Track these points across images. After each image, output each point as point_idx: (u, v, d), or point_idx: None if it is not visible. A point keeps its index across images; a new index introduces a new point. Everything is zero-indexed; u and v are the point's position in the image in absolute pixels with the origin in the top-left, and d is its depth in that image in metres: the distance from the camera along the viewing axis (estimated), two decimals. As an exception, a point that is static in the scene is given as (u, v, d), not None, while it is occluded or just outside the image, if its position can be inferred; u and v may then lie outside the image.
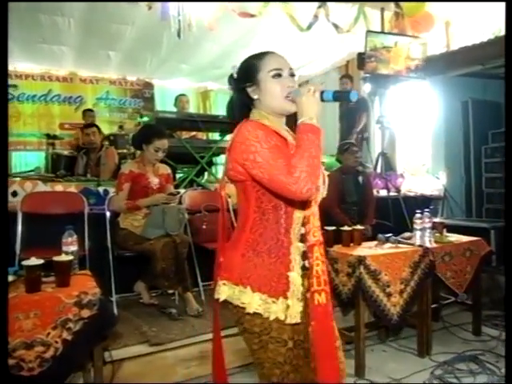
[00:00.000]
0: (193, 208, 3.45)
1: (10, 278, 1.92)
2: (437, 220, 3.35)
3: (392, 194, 4.64)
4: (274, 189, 1.23)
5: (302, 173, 1.17)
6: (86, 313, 1.86)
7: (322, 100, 1.29)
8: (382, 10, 5.22)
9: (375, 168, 5.17)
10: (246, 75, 1.36)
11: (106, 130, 6.18)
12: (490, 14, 4.35)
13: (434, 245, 2.91)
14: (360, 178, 3.89)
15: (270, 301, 1.27)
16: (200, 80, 7.61)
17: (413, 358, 2.80)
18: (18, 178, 3.72)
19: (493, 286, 3.50)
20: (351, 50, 5.77)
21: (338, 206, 3.63)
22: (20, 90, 6.77)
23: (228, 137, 4.39)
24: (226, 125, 4.22)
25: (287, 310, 1.28)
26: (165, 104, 7.21)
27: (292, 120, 1.40)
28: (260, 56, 1.37)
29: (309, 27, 4.71)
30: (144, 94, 7.60)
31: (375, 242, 2.85)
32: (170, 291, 3.20)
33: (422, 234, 2.90)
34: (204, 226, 3.30)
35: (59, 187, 3.46)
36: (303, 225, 1.33)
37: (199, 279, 3.24)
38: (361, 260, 2.52)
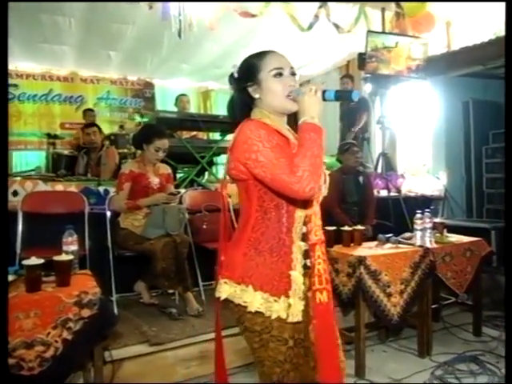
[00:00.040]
0: (193, 208, 3.45)
1: (11, 278, 1.92)
2: (437, 220, 3.34)
3: (392, 194, 4.64)
4: (276, 188, 1.23)
5: (304, 172, 1.17)
6: (86, 312, 1.86)
7: (324, 99, 1.29)
8: (383, 10, 5.22)
9: (376, 168, 5.17)
10: (247, 74, 1.36)
11: (107, 129, 6.19)
12: (491, 14, 4.35)
13: (435, 245, 2.91)
14: (360, 178, 3.88)
15: (271, 299, 1.27)
16: (201, 80, 7.61)
17: (413, 359, 2.79)
18: (18, 178, 3.72)
19: (493, 287, 3.49)
20: (352, 50, 5.77)
21: (339, 206, 3.63)
22: (21, 90, 6.78)
23: (228, 137, 4.40)
24: (227, 125, 4.19)
25: (289, 308, 1.28)
26: (165, 104, 7.22)
27: (292, 119, 1.40)
28: (261, 55, 1.37)
29: (309, 27, 4.71)
30: (145, 93, 7.61)
31: (375, 243, 2.84)
32: (171, 291, 3.21)
33: (423, 234, 2.90)
34: (204, 226, 3.30)
35: (60, 187, 3.46)
36: (305, 224, 1.33)
37: (199, 279, 3.24)
38: (361, 260, 2.52)
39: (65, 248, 2.09)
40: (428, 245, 2.87)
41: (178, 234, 2.93)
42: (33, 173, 4.60)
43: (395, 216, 4.28)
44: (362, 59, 4.87)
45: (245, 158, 1.25)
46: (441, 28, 5.23)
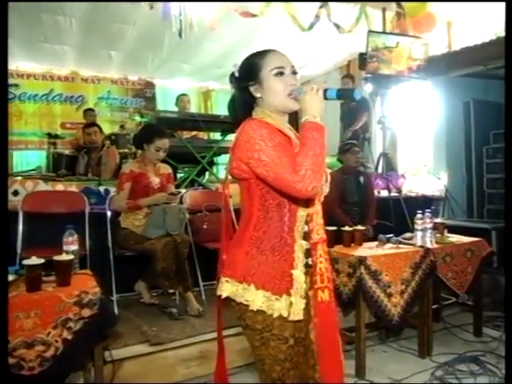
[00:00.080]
0: (194, 208, 3.45)
1: (11, 278, 1.92)
2: (438, 220, 3.34)
3: (393, 194, 4.64)
4: (279, 187, 1.24)
5: (307, 171, 1.18)
6: (86, 312, 1.86)
7: (326, 98, 1.30)
8: (384, 10, 5.21)
9: (376, 168, 5.17)
10: (248, 74, 1.36)
11: (108, 129, 6.19)
12: (492, 15, 4.34)
13: (435, 245, 2.91)
14: (361, 179, 3.88)
15: (273, 298, 1.28)
16: (201, 80, 7.61)
17: (413, 359, 2.79)
18: (19, 177, 3.72)
19: (494, 287, 3.49)
20: (353, 50, 5.76)
21: (339, 207, 3.63)
22: (22, 90, 6.78)
23: (229, 137, 4.40)
24: (227, 125, 4.23)
25: (290, 307, 1.28)
26: (166, 104, 7.22)
27: (293, 118, 1.40)
28: (262, 54, 1.37)
29: (310, 27, 4.71)
30: (145, 93, 7.61)
31: (376, 243, 2.84)
32: (171, 291, 3.21)
33: (423, 234, 2.90)
34: (205, 226, 3.30)
35: (60, 186, 3.46)
36: (306, 223, 1.34)
37: (200, 279, 3.24)
38: (361, 260, 2.52)
39: (65, 248, 2.09)
40: (428, 245, 2.86)
41: (179, 233, 2.94)
42: (33, 172, 4.61)
43: (396, 216, 4.27)
44: (362, 59, 4.87)
45: (247, 157, 1.25)
46: (442, 28, 5.23)
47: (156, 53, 6.07)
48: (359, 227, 2.95)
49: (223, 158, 5.22)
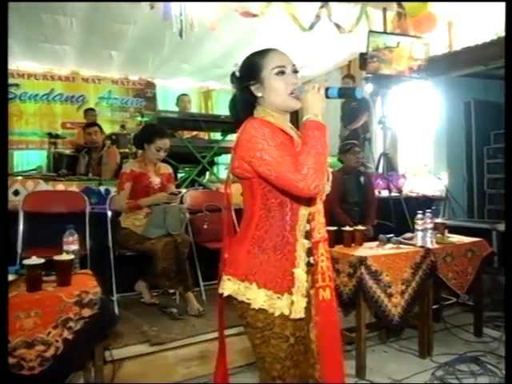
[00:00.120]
0: (194, 208, 3.45)
1: (12, 277, 1.92)
2: (438, 221, 3.33)
3: (393, 194, 4.64)
4: (281, 186, 1.24)
5: (309, 170, 1.18)
6: (86, 312, 1.86)
7: (327, 97, 1.30)
8: (385, 10, 5.21)
9: (377, 168, 5.16)
10: (249, 73, 1.36)
11: (108, 129, 6.20)
12: (493, 15, 4.34)
13: (436, 245, 2.90)
14: (362, 179, 3.88)
15: (274, 297, 1.28)
16: (202, 80, 7.61)
17: (414, 359, 2.79)
18: (19, 177, 3.73)
19: (494, 287, 3.49)
20: (353, 50, 5.76)
21: (340, 207, 3.63)
22: (22, 89, 6.79)
23: (230, 137, 4.41)
24: (228, 124, 4.24)
25: (292, 305, 1.29)
26: (167, 103, 7.22)
27: (293, 117, 1.40)
28: (262, 53, 1.37)
29: (311, 27, 4.71)
30: (146, 93, 7.62)
31: (376, 243, 2.84)
32: (171, 291, 3.21)
33: (424, 234, 2.89)
34: (205, 226, 3.29)
35: (61, 186, 3.46)
36: (308, 222, 1.35)
37: (200, 279, 3.24)
38: (362, 260, 2.52)
39: (65, 247, 2.09)
40: (429, 245, 2.86)
41: (179, 233, 2.93)
42: (34, 172, 4.62)
43: (396, 216, 4.27)
44: (363, 59, 4.87)
45: (249, 156, 1.25)
46: (442, 28, 5.22)
47: (157, 53, 6.08)
48: (360, 227, 2.95)
49: (224, 158, 5.23)
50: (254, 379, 1.78)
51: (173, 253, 2.83)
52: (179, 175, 4.54)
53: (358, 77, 5.89)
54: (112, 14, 4.88)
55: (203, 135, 5.41)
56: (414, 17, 5.09)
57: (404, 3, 5.10)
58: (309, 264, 1.35)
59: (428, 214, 2.95)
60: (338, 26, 4.83)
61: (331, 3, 4.71)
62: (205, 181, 4.51)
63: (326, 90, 1.29)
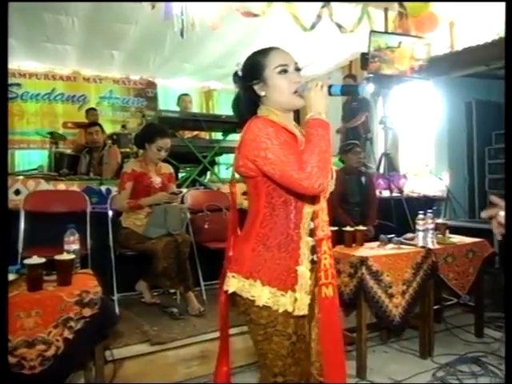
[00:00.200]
0: (195, 207, 3.45)
1: (12, 277, 1.92)
2: (439, 221, 3.33)
3: (395, 194, 4.63)
4: (285, 184, 1.25)
5: (313, 168, 1.19)
6: (87, 311, 1.87)
7: (330, 94, 1.30)
8: (386, 10, 5.21)
9: (378, 168, 5.16)
10: (252, 73, 1.37)
11: (109, 128, 6.20)
12: (494, 15, 4.33)
13: (437, 246, 2.90)
14: (363, 179, 3.88)
15: (279, 294, 1.29)
16: (203, 79, 7.61)
17: (414, 360, 2.79)
18: (21, 177, 3.72)
19: (495, 288, 3.48)
20: (355, 50, 5.75)
21: (341, 207, 3.63)
22: (24, 89, 6.79)
23: (231, 136, 4.41)
24: (229, 124, 4.25)
25: (295, 302, 1.30)
26: (168, 103, 7.21)
27: (295, 115, 1.41)
28: (265, 52, 1.37)
29: (312, 27, 4.70)
30: (147, 93, 7.61)
31: (377, 243, 2.84)
32: (172, 290, 3.21)
33: (425, 234, 2.89)
34: (206, 226, 3.29)
35: (62, 186, 3.46)
36: (312, 219, 1.36)
37: (201, 279, 3.23)
38: (363, 261, 2.52)
39: (66, 247, 2.09)
40: (430, 246, 2.86)
41: (180, 233, 2.94)
42: (35, 172, 4.62)
43: (397, 216, 4.27)
44: (364, 59, 4.86)
45: (253, 155, 1.26)
46: (444, 28, 5.22)
47: (158, 52, 6.07)
48: (360, 227, 2.94)
49: (225, 158, 5.23)
50: (254, 379, 1.78)
51: (173, 252, 2.83)
52: (180, 175, 4.54)
53: (359, 77, 5.88)
54: (113, 14, 4.88)
55: (204, 135, 5.41)
56: (415, 17, 5.08)
57: (405, 3, 5.09)
58: (313, 262, 1.36)
59: (429, 214, 2.94)
60: (339, 26, 4.83)
61: (332, 3, 4.71)
62: (206, 180, 4.51)
63: (329, 87, 1.30)
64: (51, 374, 1.77)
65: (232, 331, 2.24)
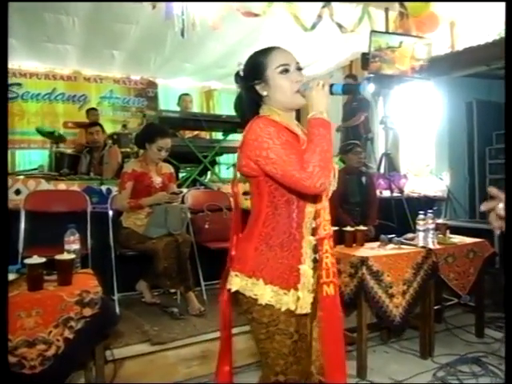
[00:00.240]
0: (195, 207, 3.45)
1: (13, 276, 1.92)
2: (440, 221, 3.33)
3: (395, 194, 4.63)
4: (287, 184, 1.26)
5: (315, 168, 1.19)
6: (87, 311, 1.86)
7: (332, 93, 1.31)
8: (387, 9, 5.20)
9: (378, 168, 5.16)
10: (254, 73, 1.37)
11: (110, 128, 6.20)
12: (495, 15, 4.33)
13: (437, 246, 2.90)
14: (363, 179, 3.88)
15: (281, 292, 1.30)
16: (204, 79, 7.61)
17: (415, 360, 2.79)
18: (21, 176, 3.73)
19: (496, 288, 3.47)
20: (355, 49, 5.74)
21: (341, 207, 3.62)
22: (24, 89, 6.78)
23: (231, 136, 4.41)
24: (229, 124, 4.25)
25: (298, 301, 1.31)
26: (168, 103, 7.21)
27: (295, 114, 1.41)
28: (266, 52, 1.38)
29: (313, 27, 4.70)
30: (148, 93, 7.61)
31: (378, 243, 2.84)
32: (172, 290, 3.21)
33: (425, 235, 2.89)
34: (206, 226, 3.29)
35: (62, 186, 3.46)
36: (314, 218, 1.36)
37: (201, 279, 3.23)
38: (363, 261, 2.52)
39: (67, 247, 2.09)
40: (430, 246, 2.86)
41: (180, 233, 2.94)
42: (36, 171, 4.62)
43: (398, 216, 4.27)
44: (365, 59, 4.85)
45: (255, 155, 1.27)
46: (445, 28, 5.21)
47: (158, 52, 6.07)
48: (361, 227, 2.94)
49: (225, 158, 5.23)
50: (254, 379, 1.78)
51: (174, 252, 2.83)
52: (180, 175, 4.53)
53: (359, 77, 5.88)
54: (114, 14, 4.88)
55: (205, 135, 5.41)
56: (416, 17, 5.08)
57: (406, 3, 5.08)
58: (315, 260, 1.36)
59: (430, 214, 2.94)
60: (340, 26, 4.82)
61: (333, 3, 4.70)
62: (206, 180, 4.51)
63: (331, 86, 1.30)
64: (51, 374, 1.76)
65: (234, 331, 2.26)
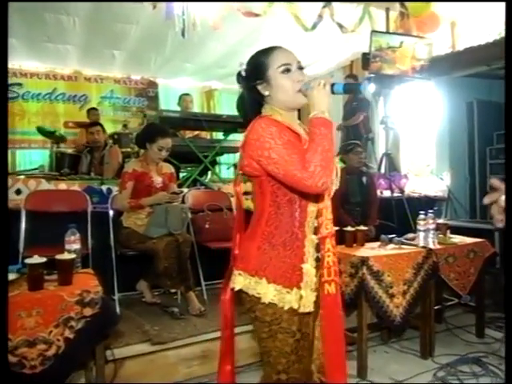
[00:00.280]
0: (196, 207, 3.45)
1: (13, 276, 1.92)
2: (440, 221, 3.33)
3: (396, 194, 4.63)
4: (289, 183, 1.27)
5: (316, 167, 1.20)
6: (88, 311, 1.86)
7: (333, 92, 1.31)
8: (387, 9, 5.20)
9: (379, 168, 5.15)
10: (255, 73, 1.38)
11: (110, 128, 6.20)
12: (496, 15, 4.32)
13: (438, 246, 2.90)
14: (364, 179, 3.88)
15: (284, 291, 1.31)
16: (204, 79, 7.61)
17: (415, 360, 2.79)
18: (22, 176, 3.73)
19: (496, 288, 3.47)
20: (356, 49, 5.74)
21: (342, 207, 3.62)
22: (25, 89, 6.78)
23: (232, 136, 4.41)
24: (230, 124, 4.25)
25: (300, 299, 1.32)
26: (169, 103, 7.22)
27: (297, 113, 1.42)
28: (267, 52, 1.38)
29: (313, 27, 4.70)
30: (148, 92, 7.61)
31: (378, 243, 2.84)
32: (173, 290, 3.20)
33: (426, 235, 2.89)
34: (207, 226, 3.29)
35: (63, 185, 3.46)
36: (316, 217, 1.37)
37: (202, 278, 3.24)
38: (364, 261, 2.52)
39: (67, 247, 2.10)
40: (431, 246, 2.86)
41: (181, 233, 2.94)
42: (36, 171, 4.63)
43: (398, 216, 4.26)
44: (365, 59, 4.85)
45: (258, 155, 1.28)
46: (445, 28, 5.21)
47: (159, 52, 6.07)
48: (361, 227, 2.94)
49: (226, 158, 5.23)
50: (254, 379, 1.78)
51: (174, 252, 2.83)
52: (181, 175, 4.54)
53: (360, 77, 5.88)
54: (114, 14, 4.88)
55: (205, 135, 5.41)
56: (416, 17, 5.07)
57: (407, 3, 5.08)
58: (318, 259, 1.37)
59: (430, 214, 2.94)
60: (340, 26, 4.82)
61: (334, 3, 4.70)
62: (206, 180, 4.51)
63: (332, 85, 1.31)
64: (52, 374, 1.76)
65: (234, 331, 2.26)
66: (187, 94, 5.82)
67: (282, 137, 1.26)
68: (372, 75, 4.97)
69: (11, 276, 1.89)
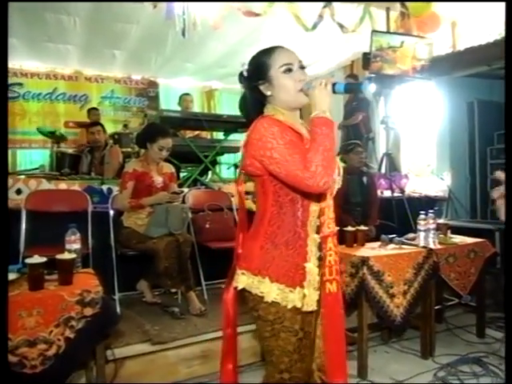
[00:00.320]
0: (196, 207, 3.45)
1: (14, 276, 1.92)
2: (441, 221, 3.33)
3: (396, 194, 4.63)
4: (291, 183, 1.27)
5: (317, 167, 1.21)
6: (88, 311, 1.87)
7: (334, 92, 1.32)
8: (388, 9, 5.19)
9: (380, 168, 5.15)
10: (257, 73, 1.38)
11: (111, 128, 6.20)
12: (496, 15, 4.32)
13: (438, 246, 2.90)
14: (364, 179, 3.88)
15: (287, 290, 1.32)
16: (205, 79, 7.61)
17: (416, 360, 2.79)
18: (22, 176, 3.73)
19: (497, 288, 3.47)
20: (356, 49, 5.74)
21: (342, 207, 3.62)
22: (25, 88, 6.79)
23: (232, 136, 4.41)
24: (230, 124, 4.25)
25: (304, 298, 1.32)
26: (169, 103, 7.22)
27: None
28: (269, 52, 1.39)
29: (314, 27, 4.70)
30: (149, 92, 7.61)
31: (379, 243, 2.84)
32: (173, 290, 3.20)
33: (426, 235, 2.89)
34: (207, 225, 3.29)
35: (63, 185, 3.46)
36: (318, 217, 1.37)
37: (202, 278, 3.23)
38: (364, 261, 2.52)
39: (68, 246, 2.10)
40: (431, 246, 2.86)
41: (181, 233, 2.93)
42: (37, 171, 4.64)
43: (399, 216, 4.26)
44: (366, 59, 4.85)
45: (260, 155, 1.28)
46: (446, 28, 5.21)
47: (159, 52, 6.07)
48: (362, 227, 2.94)
49: (226, 158, 5.23)
50: (255, 379, 1.78)
51: (175, 252, 2.83)
52: (181, 174, 4.54)
53: (361, 77, 5.88)
54: (115, 14, 4.88)
55: (205, 134, 5.42)
56: (417, 17, 5.07)
57: (407, 3, 5.07)
58: (320, 258, 1.37)
59: (431, 214, 2.94)
60: (341, 26, 4.82)
61: (334, 3, 4.70)
62: (207, 180, 4.51)
63: (333, 85, 1.31)
64: (52, 374, 1.77)
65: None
66: (188, 94, 5.83)
67: (284, 137, 1.27)
68: (372, 75, 4.96)
69: (11, 276, 1.89)
